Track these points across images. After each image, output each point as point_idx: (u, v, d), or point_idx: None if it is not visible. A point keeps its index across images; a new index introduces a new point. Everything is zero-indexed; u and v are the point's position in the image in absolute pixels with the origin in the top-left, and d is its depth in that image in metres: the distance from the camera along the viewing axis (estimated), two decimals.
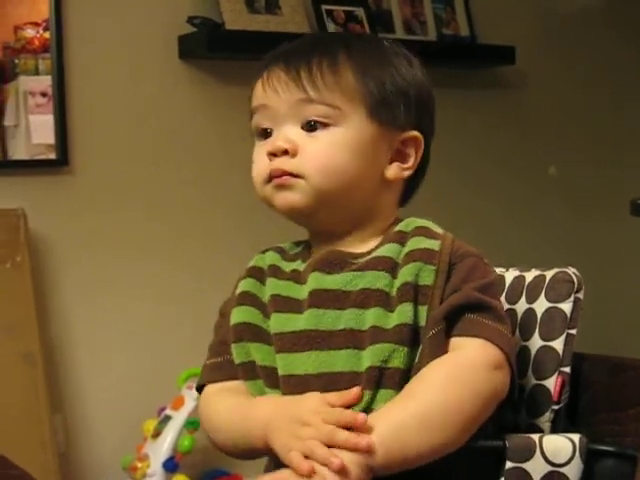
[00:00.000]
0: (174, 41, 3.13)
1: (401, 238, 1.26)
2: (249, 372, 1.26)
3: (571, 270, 1.30)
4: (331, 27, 3.31)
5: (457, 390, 1.14)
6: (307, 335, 1.22)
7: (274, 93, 1.31)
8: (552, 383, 1.26)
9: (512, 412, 1.28)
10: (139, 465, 2.84)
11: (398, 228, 1.28)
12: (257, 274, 1.33)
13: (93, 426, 3.01)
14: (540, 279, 1.32)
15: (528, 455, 1.18)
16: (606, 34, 3.96)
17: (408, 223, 1.29)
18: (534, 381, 1.27)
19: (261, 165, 1.32)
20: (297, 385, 1.20)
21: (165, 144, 3.15)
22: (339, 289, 1.23)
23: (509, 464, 1.17)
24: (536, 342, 1.28)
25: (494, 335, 1.17)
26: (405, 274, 1.21)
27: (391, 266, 1.23)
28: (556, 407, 1.25)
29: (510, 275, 1.38)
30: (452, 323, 1.18)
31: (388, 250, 1.25)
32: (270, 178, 1.29)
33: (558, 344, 1.26)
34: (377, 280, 1.22)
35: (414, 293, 1.20)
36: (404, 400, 1.15)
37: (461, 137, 3.60)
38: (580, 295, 1.28)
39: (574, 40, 3.91)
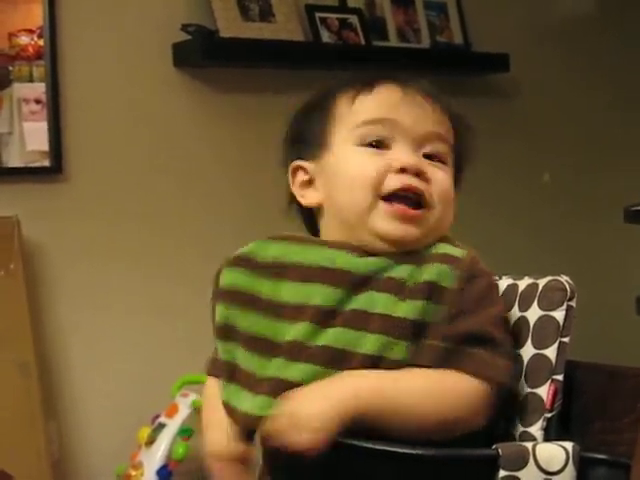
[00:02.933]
0: (168, 49, 3.13)
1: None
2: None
3: (564, 278, 1.30)
4: (325, 35, 3.32)
5: (436, 414, 1.20)
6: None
7: (416, 113, 1.30)
8: (545, 391, 1.26)
9: (505, 420, 1.28)
10: (133, 473, 2.84)
11: None
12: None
13: (87, 434, 3.01)
14: (533, 287, 1.32)
15: (522, 464, 1.18)
16: (600, 41, 3.97)
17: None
18: (527, 389, 1.27)
19: (377, 176, 1.28)
20: (299, 352, 1.23)
21: (159, 152, 3.15)
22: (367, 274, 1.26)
23: (503, 473, 1.17)
24: (529, 350, 1.28)
25: (498, 374, 1.22)
26: (428, 272, 1.24)
27: (416, 260, 1.26)
28: (549, 415, 1.25)
29: (503, 283, 1.38)
30: (461, 347, 1.22)
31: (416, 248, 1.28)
32: (391, 197, 1.27)
33: (551, 352, 1.26)
34: (402, 270, 1.25)
35: (430, 291, 1.23)
36: (392, 380, 1.19)
37: None
38: (573, 303, 1.28)
39: (568, 47, 3.91)
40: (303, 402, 1.18)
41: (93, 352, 3.01)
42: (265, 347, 1.27)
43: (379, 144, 1.29)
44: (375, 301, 1.24)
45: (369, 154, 1.28)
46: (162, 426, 2.88)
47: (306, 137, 1.36)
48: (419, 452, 1.16)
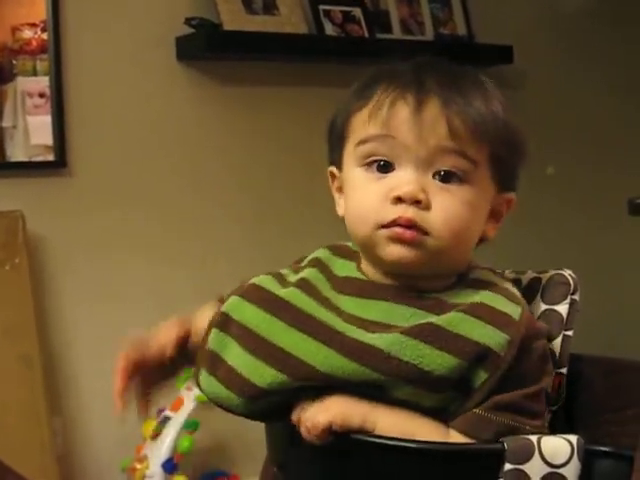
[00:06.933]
0: (172, 42, 3.14)
1: (475, 285, 1.22)
2: None
3: (567, 272, 1.30)
4: (328, 27, 3.32)
5: None
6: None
7: (419, 125, 1.16)
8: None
9: None
10: (138, 466, 2.85)
11: (474, 276, 1.24)
12: None
13: (92, 428, 3.01)
14: (536, 281, 1.32)
15: (527, 457, 1.17)
16: (605, 33, 3.96)
17: (484, 273, 1.26)
18: None
19: (378, 205, 1.17)
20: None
21: (163, 145, 3.15)
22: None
23: (508, 466, 1.17)
24: None
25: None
26: (476, 332, 1.15)
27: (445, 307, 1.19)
28: (553, 408, 1.25)
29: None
30: (499, 419, 1.17)
31: (462, 296, 1.20)
32: (390, 224, 1.16)
33: (555, 345, 1.26)
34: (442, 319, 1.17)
35: (476, 353, 1.15)
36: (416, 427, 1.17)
37: None
38: (576, 297, 1.28)
39: (572, 39, 3.91)
40: (332, 399, 1.16)
41: (98, 345, 3.02)
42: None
43: (381, 166, 1.18)
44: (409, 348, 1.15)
45: (370, 180, 1.18)
46: (167, 419, 2.89)
47: (332, 142, 1.27)
48: (426, 446, 1.16)
